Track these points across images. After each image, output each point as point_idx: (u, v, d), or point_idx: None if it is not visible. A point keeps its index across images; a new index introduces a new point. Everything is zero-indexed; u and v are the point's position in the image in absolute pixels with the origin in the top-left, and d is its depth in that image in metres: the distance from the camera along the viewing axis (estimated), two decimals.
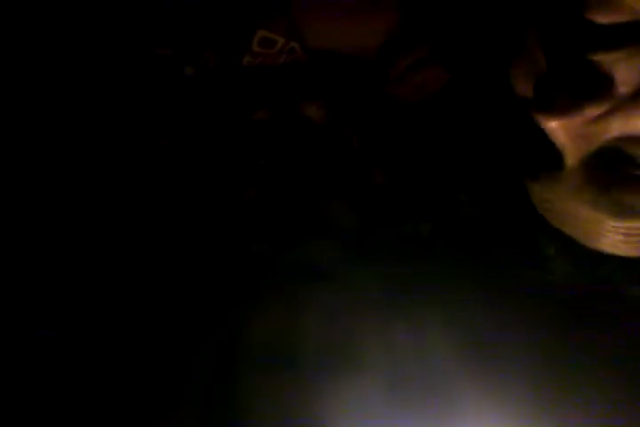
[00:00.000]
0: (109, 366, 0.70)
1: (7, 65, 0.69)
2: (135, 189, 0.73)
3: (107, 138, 0.72)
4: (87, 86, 0.70)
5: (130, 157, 0.73)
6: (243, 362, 0.71)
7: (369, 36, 0.66)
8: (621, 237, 0.54)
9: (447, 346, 0.69)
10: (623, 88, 0.49)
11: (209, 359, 0.71)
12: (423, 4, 0.66)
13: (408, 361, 0.70)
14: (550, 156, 0.54)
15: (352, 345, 0.70)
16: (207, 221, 0.73)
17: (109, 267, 0.72)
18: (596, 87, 0.49)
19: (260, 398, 0.69)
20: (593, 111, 0.50)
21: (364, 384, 0.69)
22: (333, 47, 0.68)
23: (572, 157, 0.53)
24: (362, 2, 0.65)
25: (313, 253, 0.73)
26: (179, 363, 0.71)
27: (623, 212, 0.52)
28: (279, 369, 0.70)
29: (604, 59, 0.49)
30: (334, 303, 0.71)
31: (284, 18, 0.65)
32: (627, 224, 0.53)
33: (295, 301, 0.71)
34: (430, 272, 0.71)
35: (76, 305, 0.71)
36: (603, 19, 0.48)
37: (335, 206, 0.75)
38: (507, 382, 0.67)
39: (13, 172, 0.72)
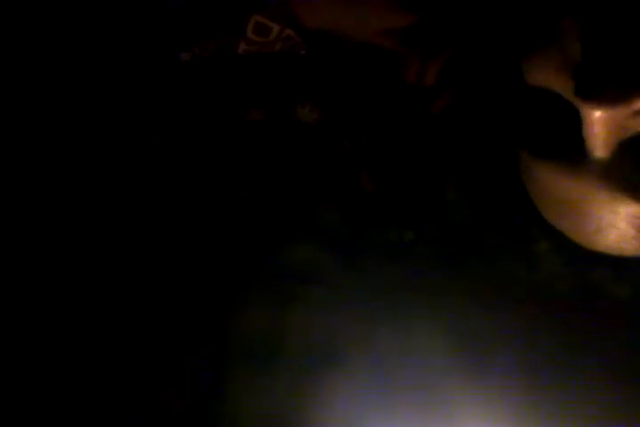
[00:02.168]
0: (101, 363, 0.70)
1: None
2: (128, 187, 0.73)
3: (101, 134, 0.72)
4: (80, 80, 0.70)
5: (123, 154, 0.72)
6: (232, 362, 0.71)
7: (369, 18, 0.66)
8: (633, 232, 0.53)
9: (435, 347, 0.69)
10: None
11: (199, 360, 0.71)
12: None
13: (396, 362, 0.70)
14: (571, 143, 0.53)
15: (341, 346, 0.70)
16: (199, 220, 0.73)
17: (100, 264, 0.72)
18: None
19: (249, 398, 0.70)
20: None
21: (353, 384, 0.69)
22: (332, 29, 0.67)
23: (603, 148, 0.52)
24: None
25: (302, 256, 0.73)
26: (169, 362, 0.71)
27: None
28: (270, 369, 0.70)
29: None
30: (323, 305, 0.71)
31: (280, 4, 0.64)
32: None
33: (284, 302, 0.72)
34: (419, 274, 0.71)
35: (71, 304, 0.71)
36: None
37: (324, 210, 0.75)
38: (496, 382, 0.67)
39: (5, 169, 0.72)
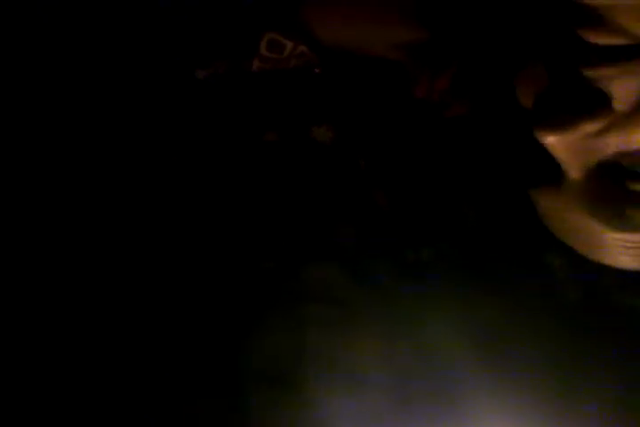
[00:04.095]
0: (116, 378, 0.71)
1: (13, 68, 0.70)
2: (142, 206, 0.74)
3: (116, 151, 0.73)
4: (97, 98, 0.71)
5: (138, 172, 0.73)
6: (249, 382, 0.71)
7: (381, 33, 0.68)
8: (622, 250, 0.54)
9: (453, 362, 0.69)
10: (620, 105, 0.50)
11: (214, 376, 0.71)
12: (440, 11, 0.67)
13: (415, 378, 0.70)
14: (552, 167, 0.54)
15: (359, 364, 0.71)
16: (216, 240, 0.74)
17: (112, 278, 0.72)
18: (593, 104, 0.50)
19: (264, 414, 0.70)
20: (589, 127, 0.51)
21: (372, 401, 0.69)
22: (344, 43, 0.68)
23: (572, 170, 0.53)
24: (381, 2, 0.67)
25: (318, 275, 0.74)
26: (185, 379, 0.71)
27: (622, 224, 0.52)
28: (285, 386, 0.70)
29: (596, 75, 0.50)
30: (340, 324, 0.72)
31: (294, 20, 0.66)
32: (626, 236, 0.53)
33: (301, 322, 0.72)
34: (435, 291, 0.72)
35: (85, 322, 0.72)
36: (597, 40, 0.49)
37: (340, 229, 0.75)
38: (510, 393, 0.67)
39: (33, 175, 0.73)
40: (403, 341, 0.71)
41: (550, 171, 0.55)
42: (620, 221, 0.52)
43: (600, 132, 0.51)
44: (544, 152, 0.54)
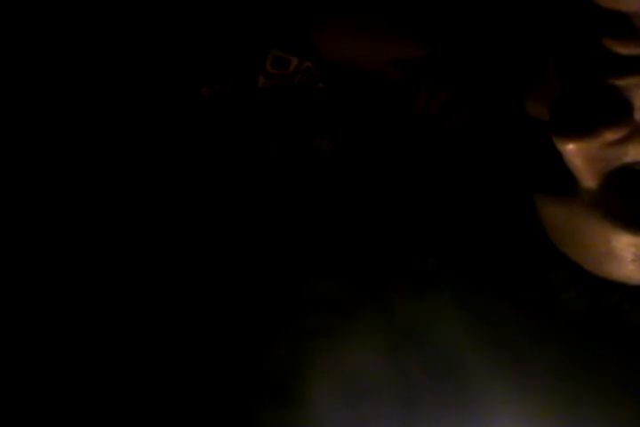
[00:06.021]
0: (115, 392, 0.70)
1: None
2: (147, 224, 0.73)
3: (121, 169, 0.72)
4: (101, 113, 0.71)
5: (143, 188, 0.73)
6: (250, 393, 0.71)
7: (382, 49, 0.69)
8: (633, 257, 0.54)
9: (463, 374, 0.69)
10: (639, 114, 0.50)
11: (215, 390, 0.71)
12: (439, 27, 0.68)
13: (425, 392, 0.70)
14: (563, 173, 0.54)
15: (368, 377, 0.70)
16: (219, 252, 0.74)
17: (122, 300, 0.72)
18: (614, 112, 0.50)
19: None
20: (610, 136, 0.50)
21: (373, 413, 0.69)
22: (350, 61, 0.69)
23: (587, 178, 0.53)
24: (383, 19, 0.68)
25: (326, 287, 0.74)
26: (185, 393, 0.71)
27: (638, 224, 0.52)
28: (288, 398, 0.70)
29: (620, 84, 0.49)
30: (348, 336, 0.72)
31: (299, 37, 0.67)
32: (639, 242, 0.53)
33: (302, 333, 0.72)
34: (437, 299, 0.72)
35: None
36: (623, 50, 0.48)
37: (345, 240, 0.75)
38: (515, 407, 0.67)
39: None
40: (407, 351, 0.72)
41: (557, 181, 0.55)
42: (636, 220, 0.52)
43: (620, 141, 0.51)
44: (548, 162, 0.54)
